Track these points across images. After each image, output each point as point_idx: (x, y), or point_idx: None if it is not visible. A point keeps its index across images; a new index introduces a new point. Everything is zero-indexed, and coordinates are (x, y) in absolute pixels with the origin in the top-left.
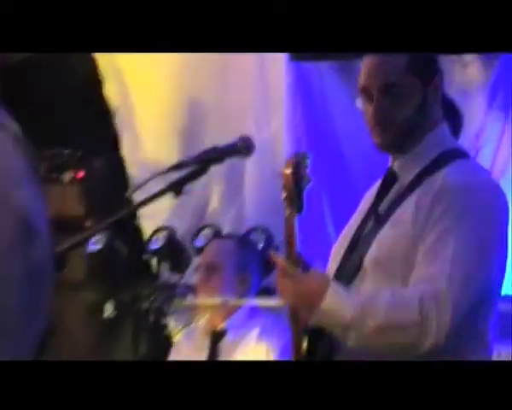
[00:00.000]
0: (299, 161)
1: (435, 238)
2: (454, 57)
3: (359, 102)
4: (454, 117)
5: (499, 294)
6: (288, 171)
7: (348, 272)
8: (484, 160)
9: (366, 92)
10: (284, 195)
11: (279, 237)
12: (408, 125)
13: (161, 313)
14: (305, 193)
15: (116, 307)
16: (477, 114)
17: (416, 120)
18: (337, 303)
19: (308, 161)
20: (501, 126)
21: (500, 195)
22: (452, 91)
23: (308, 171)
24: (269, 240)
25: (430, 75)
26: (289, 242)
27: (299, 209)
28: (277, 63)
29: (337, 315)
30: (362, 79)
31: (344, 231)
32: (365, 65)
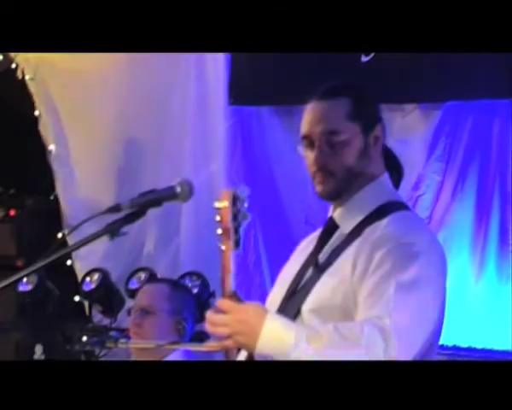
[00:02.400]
0: (237, 195)
1: (375, 283)
2: (394, 106)
3: (301, 149)
4: (394, 167)
5: (439, 338)
6: (225, 204)
7: None
8: (422, 209)
9: (308, 139)
10: (220, 229)
11: (214, 283)
12: (349, 173)
13: (92, 356)
14: (241, 229)
15: (46, 349)
16: (416, 163)
17: (357, 169)
18: (278, 326)
19: (245, 196)
20: (440, 176)
21: (437, 246)
22: (392, 141)
23: (246, 206)
24: (204, 285)
25: (371, 123)
26: (225, 278)
27: (236, 245)
28: (217, 106)
29: (280, 338)
30: (303, 126)
31: (280, 280)
32: (307, 112)
